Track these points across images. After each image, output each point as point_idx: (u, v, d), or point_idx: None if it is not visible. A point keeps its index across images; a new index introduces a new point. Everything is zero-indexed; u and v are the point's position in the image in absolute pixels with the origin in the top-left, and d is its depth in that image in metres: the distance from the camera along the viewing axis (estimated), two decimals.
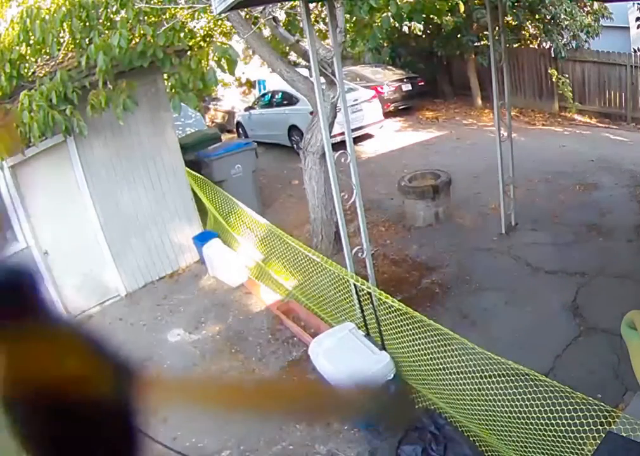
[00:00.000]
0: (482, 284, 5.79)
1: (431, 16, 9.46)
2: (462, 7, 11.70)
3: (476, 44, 12.18)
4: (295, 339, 5.36)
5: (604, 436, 2.84)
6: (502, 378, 3.40)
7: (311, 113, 7.75)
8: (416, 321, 3.98)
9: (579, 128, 11.15)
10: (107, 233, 6.49)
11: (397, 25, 10.85)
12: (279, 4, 6.54)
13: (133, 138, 6.52)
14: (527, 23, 12.13)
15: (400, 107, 13.07)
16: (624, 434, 2.75)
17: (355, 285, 4.60)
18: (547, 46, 11.92)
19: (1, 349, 0.57)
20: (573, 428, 3.01)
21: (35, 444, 0.61)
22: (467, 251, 6.49)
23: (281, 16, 7.27)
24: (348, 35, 7.65)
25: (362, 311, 4.66)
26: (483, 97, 12.69)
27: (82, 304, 6.41)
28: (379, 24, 5.73)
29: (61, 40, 5.68)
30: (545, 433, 3.24)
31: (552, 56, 11.63)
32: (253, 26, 6.42)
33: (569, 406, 3.01)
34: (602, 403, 2.90)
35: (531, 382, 3.30)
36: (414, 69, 13.76)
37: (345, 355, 4.33)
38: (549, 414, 3.20)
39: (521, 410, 3.35)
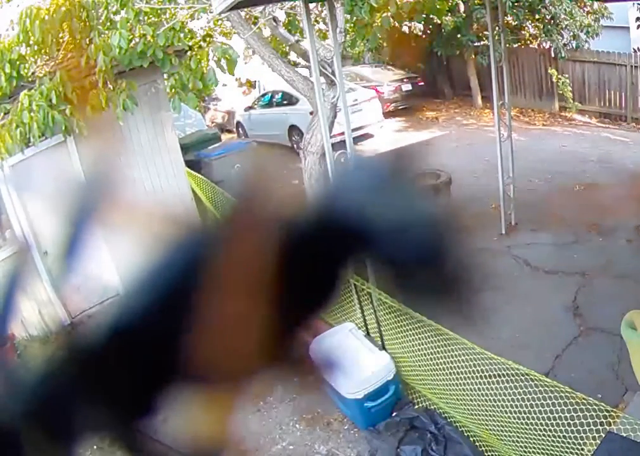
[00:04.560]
0: (482, 284, 5.77)
1: (431, 16, 9.46)
2: (462, 7, 11.74)
3: (476, 44, 12.17)
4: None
5: (604, 436, 2.84)
6: (502, 378, 3.40)
7: (311, 113, 7.74)
8: (416, 321, 3.98)
9: (579, 128, 11.14)
10: (106, 232, 6.48)
11: (397, 24, 10.85)
12: (279, 4, 6.54)
13: (133, 138, 6.52)
14: (527, 23, 12.12)
15: (400, 107, 13.06)
16: (624, 434, 2.75)
17: (355, 285, 4.60)
18: (547, 46, 11.91)
19: None
20: (573, 428, 3.01)
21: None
22: (467, 251, 6.47)
23: (281, 16, 7.27)
24: (348, 35, 7.65)
25: (362, 311, 4.66)
26: (483, 97, 12.68)
27: (82, 304, 6.41)
28: (379, 24, 5.74)
29: (61, 40, 5.68)
30: (545, 433, 3.24)
31: (552, 56, 11.62)
32: (253, 26, 6.42)
33: (569, 406, 3.01)
34: (602, 403, 2.89)
35: (531, 382, 3.29)
36: (414, 69, 13.75)
37: (345, 355, 4.33)
38: (549, 414, 3.20)
39: (521, 410, 3.35)
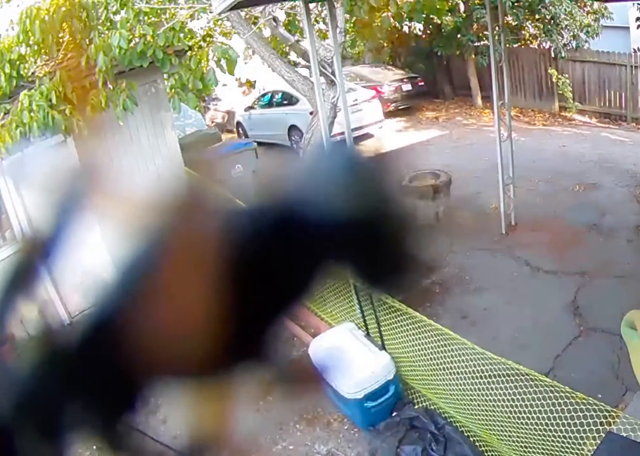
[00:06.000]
0: (482, 284, 5.78)
1: (431, 16, 9.46)
2: (462, 7, 11.75)
3: (476, 44, 12.17)
4: (295, 339, 5.36)
5: (604, 436, 2.84)
6: (502, 378, 3.40)
7: (311, 113, 7.75)
8: (416, 321, 3.98)
9: (579, 128, 11.14)
10: (106, 232, 6.48)
11: (397, 24, 10.88)
12: (279, 4, 6.55)
13: (133, 138, 6.52)
14: (527, 23, 12.12)
15: (400, 107, 13.06)
16: (624, 434, 2.75)
17: (355, 285, 4.60)
18: (547, 46, 11.91)
19: None
20: (573, 428, 3.01)
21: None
22: (467, 251, 6.48)
23: (281, 16, 7.28)
24: (348, 35, 7.66)
25: (362, 311, 4.65)
26: (483, 97, 12.67)
27: (81, 303, 6.40)
28: (379, 24, 5.74)
29: (61, 40, 5.67)
30: (545, 433, 3.24)
31: (552, 56, 11.62)
32: (253, 26, 6.43)
33: (569, 406, 3.02)
34: (602, 403, 2.90)
35: (531, 382, 3.30)
36: (414, 69, 13.76)
37: (345, 355, 4.33)
38: (549, 414, 3.20)
39: (521, 410, 3.35)
